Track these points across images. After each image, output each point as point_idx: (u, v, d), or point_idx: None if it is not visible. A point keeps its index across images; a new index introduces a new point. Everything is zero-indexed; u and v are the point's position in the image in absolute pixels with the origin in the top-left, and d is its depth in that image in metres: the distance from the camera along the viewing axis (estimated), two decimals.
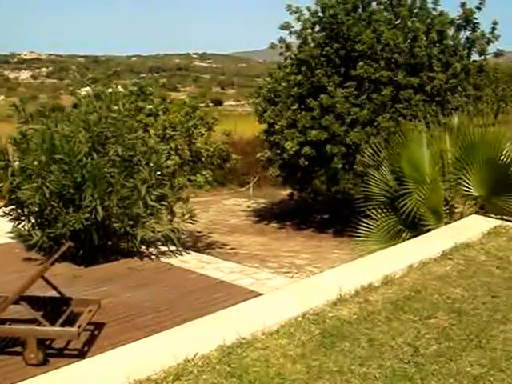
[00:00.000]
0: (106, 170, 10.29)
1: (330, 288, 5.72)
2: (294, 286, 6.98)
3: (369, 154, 9.71)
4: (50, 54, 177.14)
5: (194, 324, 5.19)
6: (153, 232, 10.94)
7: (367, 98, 20.87)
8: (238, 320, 5.24)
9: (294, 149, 21.34)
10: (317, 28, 22.94)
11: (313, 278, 6.87)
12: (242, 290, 8.78)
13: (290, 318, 5.17)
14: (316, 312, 5.30)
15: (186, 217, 11.84)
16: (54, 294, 7.20)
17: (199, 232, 20.89)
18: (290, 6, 22.66)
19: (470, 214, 8.86)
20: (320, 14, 22.56)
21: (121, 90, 16.22)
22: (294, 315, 5.21)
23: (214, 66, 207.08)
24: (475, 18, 21.89)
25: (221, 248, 19.28)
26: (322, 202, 24.71)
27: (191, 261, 10.82)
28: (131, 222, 10.63)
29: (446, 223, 8.51)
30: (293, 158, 21.91)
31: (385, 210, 8.97)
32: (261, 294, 7.08)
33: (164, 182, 11.60)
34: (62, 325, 6.52)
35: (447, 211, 8.87)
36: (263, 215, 26.33)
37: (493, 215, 8.70)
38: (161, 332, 5.08)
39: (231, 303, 6.02)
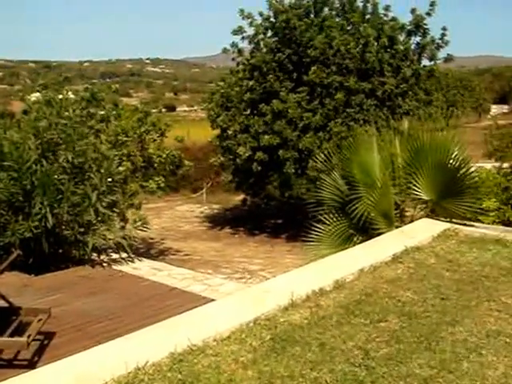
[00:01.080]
0: (56, 176, 10.20)
1: (281, 293, 5.71)
2: (245, 291, 6.97)
3: (321, 159, 9.74)
4: (0, 59, 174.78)
5: (146, 331, 5.14)
6: (104, 239, 10.85)
7: (319, 103, 21.00)
8: (190, 327, 5.20)
9: (246, 154, 21.36)
10: (269, 33, 23.01)
11: (264, 284, 6.86)
12: (194, 297, 8.75)
13: (242, 323, 5.15)
14: (267, 317, 5.29)
15: (138, 224, 11.77)
16: (2, 303, 7.07)
17: (152, 238, 20.74)
18: (242, 11, 22.70)
19: (421, 218, 8.94)
20: (272, 20, 22.64)
21: (71, 96, 16.03)
22: (245, 321, 5.19)
23: (167, 71, 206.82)
24: (425, 24, 22.19)
25: (174, 254, 19.17)
26: (275, 207, 24.78)
27: (143, 268, 10.76)
28: (82, 230, 10.54)
29: (397, 227, 8.57)
30: (246, 164, 21.92)
31: (336, 215, 9.01)
32: (213, 300, 7.05)
33: (116, 188, 11.52)
34: (11, 335, 6.41)
35: (398, 215, 8.95)
36: (217, 221, 26.29)
37: (443, 218, 8.80)
38: (112, 340, 5.02)
39: (183, 310, 5.97)
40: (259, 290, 6.37)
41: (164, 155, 18.24)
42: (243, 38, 22.91)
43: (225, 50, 23.59)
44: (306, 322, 5.24)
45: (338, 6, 22.89)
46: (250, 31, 22.79)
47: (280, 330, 5.10)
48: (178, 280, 9.91)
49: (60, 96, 13.51)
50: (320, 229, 8.92)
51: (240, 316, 5.28)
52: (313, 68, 20.95)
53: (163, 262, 13.06)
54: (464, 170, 8.87)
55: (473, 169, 9.32)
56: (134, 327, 5.60)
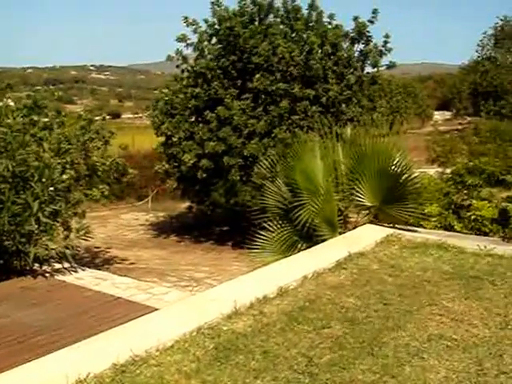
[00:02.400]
0: None
1: (225, 301, 5.70)
2: (189, 300, 6.93)
3: (266, 165, 9.76)
4: None
5: (88, 343, 5.07)
6: (46, 249, 10.66)
7: (264, 110, 21.03)
8: (133, 337, 5.15)
9: (191, 161, 21.25)
10: (213, 40, 22.95)
11: (208, 292, 6.83)
12: (138, 306, 8.67)
13: (185, 333, 5.12)
14: (211, 326, 5.27)
15: (82, 233, 11.60)
16: None
17: (97, 247, 20.49)
18: (186, 18, 22.61)
19: (364, 224, 9.02)
20: (217, 27, 22.58)
21: (11, 103, 15.75)
22: (189, 330, 5.16)
23: (112, 78, 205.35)
24: (368, 32, 22.40)
25: (119, 263, 18.95)
26: (221, 214, 24.69)
27: (86, 277, 10.62)
28: (23, 240, 10.33)
29: (341, 233, 8.63)
30: (191, 171, 21.81)
31: (280, 222, 9.02)
32: (157, 309, 7.00)
33: (59, 197, 11.33)
34: None
35: (341, 221, 9.00)
36: (162, 229, 26.10)
37: (386, 224, 8.89)
38: (53, 352, 4.94)
39: (127, 320, 5.91)
40: (203, 298, 6.34)
41: (108, 163, 18.01)
42: (187, 45, 22.83)
43: (169, 57, 23.46)
44: (250, 330, 5.23)
45: (282, 13, 22.96)
46: (195, 38, 22.75)
47: (223, 338, 5.08)
48: (121, 289, 9.80)
49: (0, 103, 13.24)
50: (264, 236, 8.93)
51: (183, 325, 5.25)
52: (257, 75, 20.99)
53: (108, 272, 12.92)
54: (406, 175, 8.99)
55: (415, 174, 9.45)
56: (77, 338, 5.51)
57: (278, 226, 9.01)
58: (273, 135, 20.45)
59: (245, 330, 5.23)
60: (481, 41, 66.92)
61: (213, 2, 22.47)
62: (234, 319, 5.44)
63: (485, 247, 7.75)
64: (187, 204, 26.28)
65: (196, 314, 5.50)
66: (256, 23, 22.45)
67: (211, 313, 5.48)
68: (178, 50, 23.10)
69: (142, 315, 5.84)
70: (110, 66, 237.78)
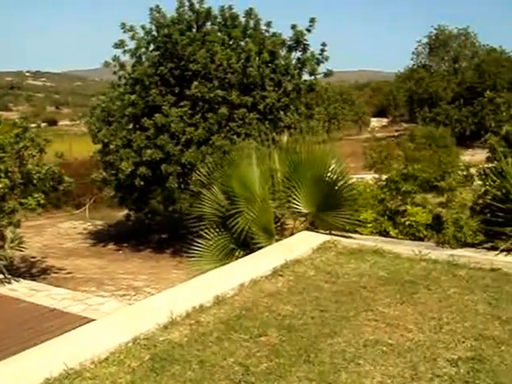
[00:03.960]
0: None
1: (161, 311, 5.64)
2: (125, 310, 6.85)
3: (203, 173, 9.72)
4: None
5: (20, 357, 4.95)
6: None
7: (202, 117, 21.02)
8: (67, 349, 5.05)
9: (129, 169, 21.10)
10: (151, 47, 22.87)
11: (144, 302, 6.76)
12: (74, 317, 8.54)
13: (121, 344, 5.04)
14: (147, 336, 5.20)
15: (16, 243, 11.36)
16: None
17: (34, 257, 20.15)
18: (124, 24, 22.48)
19: (301, 231, 9.05)
20: (154, 33, 22.52)
21: None
22: (124, 341, 5.09)
23: (49, 84, 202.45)
24: (305, 40, 22.60)
25: (56, 273, 18.65)
26: (159, 222, 24.57)
27: (20, 289, 10.41)
28: None
29: (277, 240, 8.64)
30: (128, 179, 21.65)
31: (217, 230, 8.99)
32: (93, 320, 6.89)
33: None
34: None
35: (278, 228, 9.02)
36: (100, 237, 25.83)
37: (322, 231, 8.94)
38: None
39: (62, 332, 5.78)
40: (139, 308, 6.27)
41: (43, 171, 17.73)
42: (125, 51, 22.68)
43: (106, 64, 23.27)
44: (186, 340, 5.19)
45: (220, 20, 23.01)
46: (132, 44, 22.62)
47: (159, 349, 5.02)
48: (57, 300, 9.64)
49: None
50: (202, 244, 8.89)
51: (119, 336, 5.17)
52: (195, 82, 20.97)
53: (43, 282, 12.69)
54: (342, 182, 9.05)
55: (351, 181, 9.54)
56: (10, 353, 5.38)
57: (216, 233, 8.98)
58: (211, 142, 20.45)
59: (181, 340, 5.18)
60: (416, 49, 68.39)
61: (151, 9, 22.40)
62: (170, 329, 5.38)
63: (419, 252, 7.85)
64: (125, 212, 26.07)
65: (132, 325, 5.42)
66: (194, 30, 22.45)
67: (147, 323, 5.42)
68: (115, 56, 22.95)
69: (78, 327, 5.73)
70: (47, 72, 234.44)
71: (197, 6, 22.67)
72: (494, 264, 7.45)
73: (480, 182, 11.90)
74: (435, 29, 67.33)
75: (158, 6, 22.45)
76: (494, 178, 9.00)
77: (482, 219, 8.96)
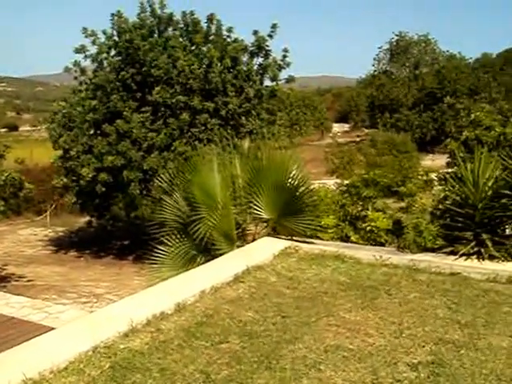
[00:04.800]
0: None
1: (122, 319, 5.59)
2: (85, 318, 6.76)
3: (165, 179, 9.68)
4: None
5: None
6: None
7: (164, 123, 20.93)
8: (25, 359, 4.98)
9: (90, 175, 20.93)
10: (113, 52, 22.72)
11: (105, 310, 6.70)
12: (33, 326, 8.43)
13: (81, 352, 4.99)
14: (107, 345, 5.16)
15: None
16: None
17: None
18: (85, 29, 22.31)
19: (262, 237, 9.05)
20: (116, 39, 22.38)
21: None
22: (84, 350, 5.04)
23: (9, 89, 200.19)
24: (267, 46, 22.63)
25: (16, 281, 18.43)
26: (121, 228, 24.42)
27: None
28: None
29: (239, 246, 8.63)
30: (90, 185, 21.47)
31: (179, 236, 8.95)
32: (53, 329, 6.81)
33: None
34: None
35: (240, 234, 9.00)
36: (61, 244, 25.58)
37: (283, 236, 8.95)
38: None
39: (21, 341, 5.70)
40: (99, 316, 6.21)
41: (3, 177, 17.53)
42: (86, 56, 22.52)
43: (67, 69, 23.07)
44: (147, 348, 5.15)
45: (181, 26, 22.95)
46: (94, 50, 22.45)
47: (120, 357, 4.98)
48: (16, 309, 9.51)
49: None
50: (163, 250, 8.84)
51: (79, 345, 5.11)
52: (157, 88, 20.88)
53: (2, 291, 12.52)
54: (303, 188, 9.08)
55: (312, 187, 9.57)
56: None
57: (177, 240, 8.93)
58: (172, 148, 20.38)
59: (142, 348, 5.14)
60: (377, 55, 69.05)
61: (113, 14, 22.26)
62: (130, 337, 5.34)
63: (380, 257, 7.91)
64: (87, 218, 25.87)
65: (92, 333, 5.36)
66: (155, 36, 22.36)
67: (108, 331, 5.37)
68: (75, 61, 22.76)
69: (37, 335, 5.66)
70: (7, 77, 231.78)
71: (158, 11, 22.59)
72: (453, 268, 7.54)
73: (440, 187, 12.04)
74: (396, 35, 68.14)
75: (119, 12, 22.31)
76: (454, 183, 9.10)
77: (441, 224, 9.04)
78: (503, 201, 8.39)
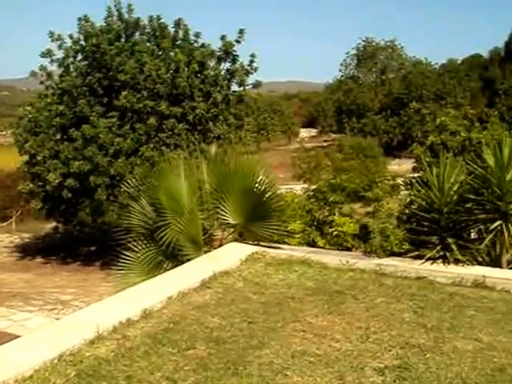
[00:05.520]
0: None
1: (88, 326, 5.55)
2: (51, 326, 6.69)
3: (132, 184, 9.63)
4: None
5: None
6: None
7: (131, 128, 20.83)
8: None
9: (56, 180, 20.74)
10: (79, 57, 22.56)
11: (71, 317, 6.64)
12: None
13: (46, 361, 4.94)
14: (73, 352, 5.11)
15: None
16: None
17: None
18: (52, 33, 22.12)
19: (229, 242, 9.04)
20: (83, 43, 22.22)
21: None
22: (49, 358, 4.99)
23: None
24: (234, 51, 22.63)
25: None
26: (88, 234, 24.25)
27: None
28: None
29: (206, 252, 8.61)
30: (56, 190, 21.28)
31: (146, 242, 8.89)
32: (19, 337, 6.72)
33: None
34: None
35: (206, 240, 8.98)
36: (27, 250, 25.32)
37: (250, 242, 8.96)
38: None
39: None
40: (65, 323, 6.15)
41: None
42: (52, 60, 22.32)
43: (33, 73, 22.87)
44: (113, 355, 5.12)
45: (149, 31, 22.87)
46: (60, 54, 22.28)
47: (86, 365, 4.94)
48: None
49: None
50: (129, 256, 8.79)
51: (44, 353, 5.06)
52: (124, 93, 20.77)
53: None
54: (270, 193, 9.08)
55: (279, 192, 9.58)
56: None
57: (144, 246, 8.87)
58: (140, 153, 20.29)
59: (108, 355, 5.10)
60: (344, 60, 69.40)
61: (80, 18, 22.11)
62: (96, 344, 5.30)
63: (347, 262, 7.94)
64: (53, 224, 25.64)
65: (58, 341, 5.32)
66: (123, 40, 22.25)
67: (73, 338, 5.32)
68: (42, 65, 22.57)
69: (2, 344, 5.59)
70: None
71: (126, 15, 22.50)
72: (419, 272, 7.60)
73: (406, 192, 12.12)
74: (363, 41, 68.59)
75: (86, 16, 22.17)
76: (419, 187, 9.16)
77: (408, 228, 9.09)
78: (468, 205, 8.48)
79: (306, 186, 15.64)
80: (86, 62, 22.36)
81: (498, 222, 8.20)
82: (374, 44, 68.63)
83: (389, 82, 67.25)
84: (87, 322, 5.75)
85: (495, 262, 8.51)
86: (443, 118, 16.80)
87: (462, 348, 5.37)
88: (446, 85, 60.39)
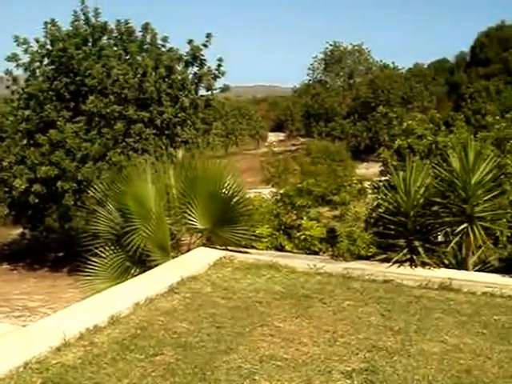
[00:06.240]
0: None
1: (54, 333, 5.51)
2: (17, 333, 6.61)
3: (100, 189, 9.58)
4: None
5: None
6: None
7: (98, 133, 20.67)
8: None
9: (23, 186, 20.51)
10: (46, 61, 22.33)
11: (37, 324, 6.58)
12: None
13: (11, 369, 4.90)
14: (39, 360, 5.07)
15: None
16: None
17: None
18: (17, 37, 21.89)
19: (197, 247, 9.04)
20: (49, 47, 22.02)
21: None
22: (15, 366, 4.94)
23: None
24: (202, 55, 22.59)
25: None
26: (56, 240, 24.01)
27: None
28: None
29: (173, 257, 8.59)
30: (23, 196, 21.04)
31: (113, 248, 8.86)
32: None
33: None
34: None
35: (174, 245, 8.97)
36: None
37: (218, 246, 8.97)
38: None
39: None
40: (31, 331, 6.10)
41: None
42: (18, 65, 22.08)
43: None
44: (80, 362, 5.08)
45: (116, 35, 22.74)
46: (26, 58, 22.04)
47: (52, 372, 4.90)
48: None
49: None
50: (97, 262, 8.75)
51: (9, 361, 5.02)
52: (91, 97, 20.61)
53: None
54: (237, 198, 9.09)
55: (246, 196, 9.59)
56: None
57: (111, 251, 8.84)
58: (107, 158, 20.14)
59: (74, 363, 5.07)
60: (312, 65, 69.61)
61: (46, 22, 21.91)
62: (63, 351, 5.27)
63: (314, 266, 7.98)
64: (20, 230, 25.34)
65: (24, 348, 5.27)
66: (90, 44, 22.08)
67: (39, 346, 5.28)
68: (7, 70, 22.30)
69: None
70: None
71: (93, 19, 22.33)
72: (386, 276, 7.66)
73: (373, 196, 12.21)
74: (330, 45, 68.88)
75: (53, 20, 21.97)
76: (386, 191, 9.23)
77: (375, 232, 9.16)
78: (435, 208, 8.57)
79: (274, 189, 15.67)
80: (52, 67, 22.11)
81: (464, 225, 8.29)
82: (341, 48, 68.95)
83: (356, 87, 67.57)
84: (54, 329, 5.71)
85: (461, 265, 8.61)
86: (410, 122, 16.89)
87: (429, 350, 5.43)
88: (412, 89, 60.81)
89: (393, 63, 68.71)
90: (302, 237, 10.66)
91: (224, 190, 9.07)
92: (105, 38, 22.68)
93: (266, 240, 10.49)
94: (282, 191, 12.27)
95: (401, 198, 8.60)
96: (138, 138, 20.68)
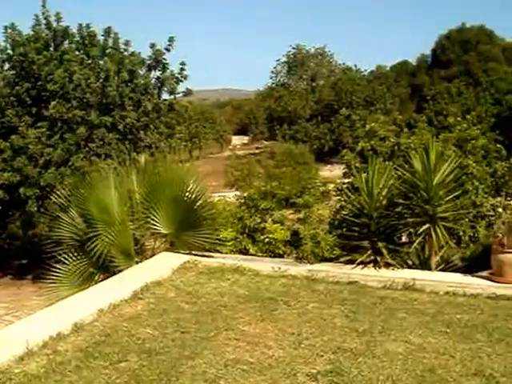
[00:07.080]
0: None
1: (17, 341, 5.46)
2: None
3: (62, 195, 9.51)
4: None
5: None
6: None
7: (60, 138, 20.47)
8: None
9: None
10: (6, 66, 22.11)
11: (0, 333, 6.50)
12: None
13: None
14: (1, 369, 5.03)
15: None
16: None
17: None
18: None
19: (161, 252, 9.02)
20: (10, 52, 21.79)
21: None
22: None
23: None
24: (165, 59, 22.53)
25: None
26: (19, 247, 23.73)
27: None
28: None
29: (137, 262, 8.57)
30: None
31: (76, 254, 8.80)
32: None
33: None
34: None
35: (138, 250, 8.94)
36: None
37: (182, 251, 8.95)
38: None
39: None
40: None
41: None
42: None
43: None
44: (43, 371, 5.04)
45: (78, 39, 22.55)
46: None
47: (15, 382, 4.86)
48: None
49: None
50: (60, 269, 8.68)
51: None
52: (53, 102, 20.42)
53: None
54: (200, 202, 9.09)
55: (209, 200, 9.59)
56: None
57: (74, 258, 8.78)
58: (70, 164, 19.96)
59: (38, 371, 5.02)
60: (275, 68, 69.73)
61: (6, 26, 21.66)
62: (26, 360, 5.21)
63: (279, 269, 8.00)
64: None
65: None
66: (51, 49, 21.87)
67: (2, 355, 5.23)
68: None
69: None
70: None
71: (54, 24, 22.11)
72: (351, 277, 7.71)
73: (337, 198, 12.28)
74: (293, 48, 69.08)
75: (13, 24, 21.75)
76: (349, 193, 9.29)
77: (339, 234, 9.21)
78: (398, 209, 8.65)
79: (238, 193, 15.67)
80: (13, 72, 21.87)
81: (427, 226, 8.38)
82: (304, 51, 69.18)
83: (319, 89, 67.84)
84: (16, 337, 5.66)
85: (425, 265, 8.70)
86: (373, 124, 17.00)
87: (393, 350, 5.48)
88: (375, 91, 61.28)
89: (355, 66, 69.15)
90: (266, 240, 10.66)
91: (187, 194, 9.07)
92: (66, 42, 22.47)
93: (230, 244, 10.47)
94: (245, 194, 12.26)
95: (364, 200, 8.65)
96: (100, 142, 20.53)
